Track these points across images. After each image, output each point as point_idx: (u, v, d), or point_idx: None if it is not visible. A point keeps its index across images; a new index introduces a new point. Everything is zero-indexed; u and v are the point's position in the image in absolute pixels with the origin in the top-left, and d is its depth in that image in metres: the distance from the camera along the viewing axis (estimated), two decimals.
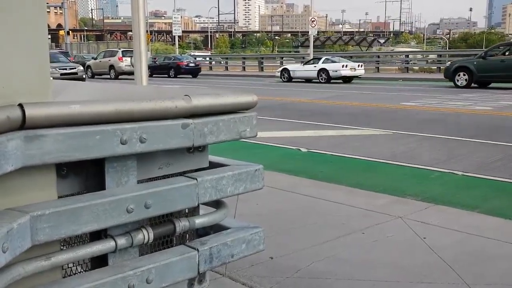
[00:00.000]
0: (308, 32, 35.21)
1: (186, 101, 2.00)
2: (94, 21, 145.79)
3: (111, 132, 1.75)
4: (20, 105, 1.56)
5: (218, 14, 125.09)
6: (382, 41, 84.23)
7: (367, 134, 9.06)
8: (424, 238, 3.71)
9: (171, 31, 41.47)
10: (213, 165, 2.29)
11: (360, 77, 26.14)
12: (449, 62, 22.68)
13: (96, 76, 31.99)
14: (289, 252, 3.46)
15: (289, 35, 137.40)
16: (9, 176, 1.54)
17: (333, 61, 25.72)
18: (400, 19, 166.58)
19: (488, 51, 20.25)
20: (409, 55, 34.62)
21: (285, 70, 27.14)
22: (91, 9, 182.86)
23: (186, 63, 32.61)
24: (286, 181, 5.57)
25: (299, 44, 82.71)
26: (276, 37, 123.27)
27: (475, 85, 19.85)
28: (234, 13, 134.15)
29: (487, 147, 7.68)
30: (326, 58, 26.42)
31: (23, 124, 1.57)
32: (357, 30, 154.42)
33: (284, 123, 10.73)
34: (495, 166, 6.40)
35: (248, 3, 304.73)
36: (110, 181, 1.86)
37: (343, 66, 24.96)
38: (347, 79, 25.23)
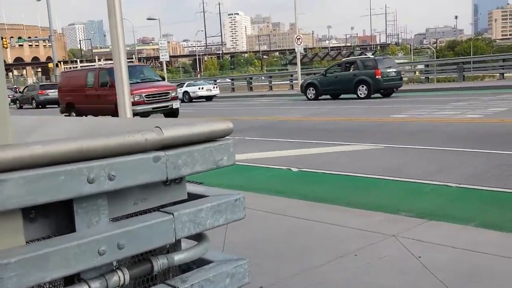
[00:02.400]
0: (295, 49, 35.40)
1: (157, 133, 1.92)
2: (83, 52, 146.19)
3: (77, 172, 1.66)
4: None
5: (206, 37, 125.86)
6: (369, 54, 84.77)
7: (358, 150, 8.99)
8: (419, 257, 3.61)
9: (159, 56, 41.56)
10: (191, 196, 2.20)
11: (216, 96, 32.81)
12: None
13: None
14: (279, 280, 3.35)
15: (277, 53, 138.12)
16: None
17: (193, 85, 32.86)
18: (386, 31, 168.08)
19: (328, 69, 25.30)
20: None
21: None
22: (79, 40, 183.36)
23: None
24: (277, 203, 5.47)
25: (287, 62, 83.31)
26: (264, 56, 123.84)
27: (328, 97, 24.23)
28: (221, 35, 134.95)
29: (478, 156, 7.63)
30: (188, 83, 33.96)
31: None
32: (344, 44, 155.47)
33: (272, 142, 10.66)
34: (489, 175, 6.33)
35: (235, 24, 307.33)
36: (80, 222, 1.77)
37: (199, 88, 31.96)
38: (206, 98, 31.97)
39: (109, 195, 1.85)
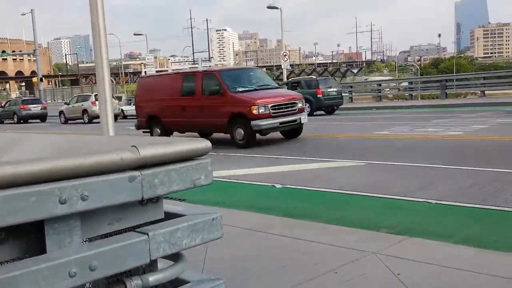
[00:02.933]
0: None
1: (133, 152, 1.90)
2: (68, 66, 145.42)
3: (49, 192, 1.64)
4: None
5: (193, 52, 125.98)
6: (355, 71, 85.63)
7: (341, 166, 9.02)
8: (398, 274, 3.61)
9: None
10: (169, 216, 2.18)
11: None
12: None
13: (69, 121, 31.70)
14: None
15: (264, 69, 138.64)
16: None
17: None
18: (371, 49, 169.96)
19: None
20: (381, 84, 35.14)
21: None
22: (65, 54, 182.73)
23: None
24: (259, 221, 5.45)
25: (274, 78, 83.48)
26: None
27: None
28: (209, 51, 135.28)
29: (459, 173, 7.69)
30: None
31: None
32: (330, 61, 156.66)
33: (255, 158, 10.66)
34: (469, 192, 6.38)
35: (222, 40, 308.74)
36: (51, 244, 1.74)
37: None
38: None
39: (83, 215, 1.82)
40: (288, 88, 24.92)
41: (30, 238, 1.74)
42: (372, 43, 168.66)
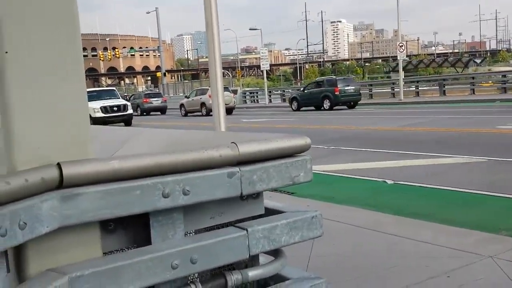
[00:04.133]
0: None
1: (232, 149, 1.93)
2: (189, 61, 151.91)
3: (152, 186, 1.71)
4: (58, 164, 1.56)
5: (307, 45, 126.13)
6: (478, 61, 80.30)
7: (458, 163, 8.53)
8: None
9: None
10: (269, 212, 2.19)
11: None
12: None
13: (189, 114, 33.19)
14: None
15: (380, 60, 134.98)
16: (46, 236, 1.53)
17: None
18: (496, 37, 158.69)
19: (306, 87, 32.11)
20: (507, 75, 32.56)
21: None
22: (187, 50, 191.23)
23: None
24: (368, 218, 5.31)
25: (390, 70, 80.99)
26: (366, 64, 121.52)
27: (307, 108, 29.63)
28: (323, 43, 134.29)
29: None
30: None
31: (61, 184, 1.56)
32: (451, 51, 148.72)
33: (365, 153, 10.39)
34: None
35: (337, 32, 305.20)
36: (155, 236, 1.82)
37: None
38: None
39: (186, 209, 1.88)
40: (313, 86, 30.21)
41: (137, 229, 1.83)
42: (498, 31, 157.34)
